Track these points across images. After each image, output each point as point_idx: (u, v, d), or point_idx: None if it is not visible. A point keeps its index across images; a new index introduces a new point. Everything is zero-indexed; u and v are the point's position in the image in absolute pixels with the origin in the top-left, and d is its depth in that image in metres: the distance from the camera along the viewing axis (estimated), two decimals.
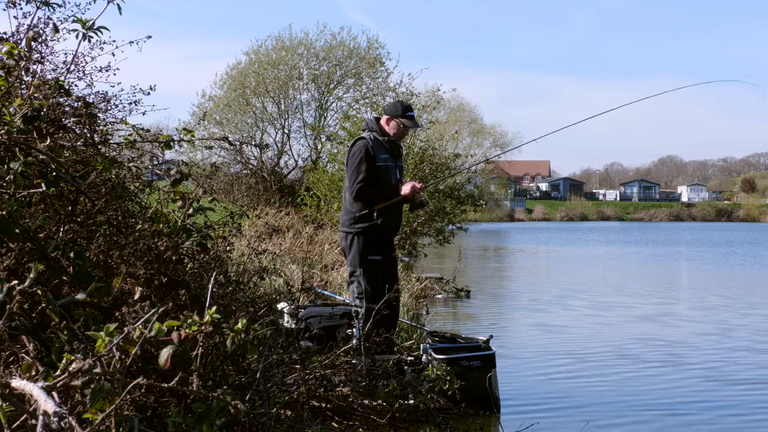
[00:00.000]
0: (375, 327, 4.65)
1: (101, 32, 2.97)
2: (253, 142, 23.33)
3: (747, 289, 14.39)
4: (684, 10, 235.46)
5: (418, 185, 5.38)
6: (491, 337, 5.25)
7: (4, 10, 3.15)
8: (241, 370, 2.77)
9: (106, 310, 2.35)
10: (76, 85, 3.80)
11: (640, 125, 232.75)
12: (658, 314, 10.50)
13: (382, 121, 5.53)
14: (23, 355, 1.93)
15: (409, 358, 5.15)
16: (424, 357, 5.14)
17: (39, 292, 2.03)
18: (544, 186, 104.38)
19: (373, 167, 5.34)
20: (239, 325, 2.13)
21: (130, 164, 3.24)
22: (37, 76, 2.93)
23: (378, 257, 5.39)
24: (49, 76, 3.42)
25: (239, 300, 3.44)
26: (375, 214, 5.36)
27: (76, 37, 2.97)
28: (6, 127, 2.37)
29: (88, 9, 3.51)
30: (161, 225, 2.94)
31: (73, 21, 3.00)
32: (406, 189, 5.36)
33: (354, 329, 5.27)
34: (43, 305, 2.06)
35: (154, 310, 1.98)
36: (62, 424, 1.55)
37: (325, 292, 8.10)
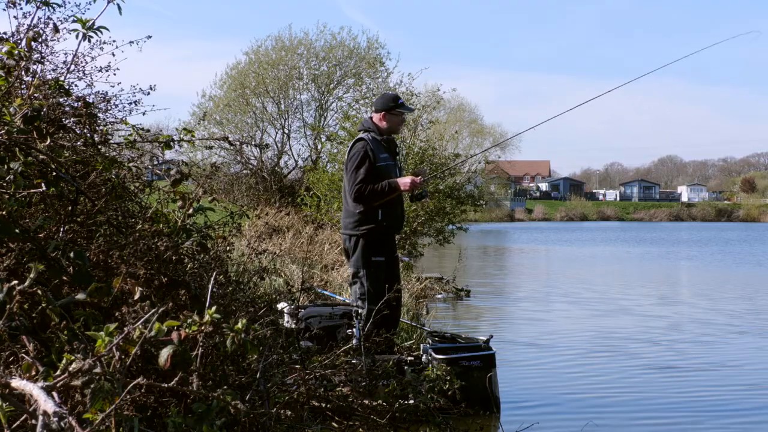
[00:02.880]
0: (376, 327, 4.65)
1: (101, 32, 2.96)
2: (253, 142, 23.36)
3: (748, 288, 14.40)
4: (684, 11, 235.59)
5: (418, 179, 5.33)
6: (491, 337, 5.25)
7: (4, 10, 3.15)
8: (241, 370, 2.77)
9: (106, 310, 2.35)
10: (76, 85, 3.80)
11: (640, 125, 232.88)
12: (660, 314, 10.50)
13: (375, 119, 5.50)
14: (23, 355, 1.92)
15: (409, 358, 5.15)
16: (424, 357, 5.14)
17: (39, 292, 2.02)
18: (544, 186, 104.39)
19: (374, 168, 5.31)
20: (239, 325, 2.13)
21: (130, 164, 3.23)
22: (37, 76, 2.93)
23: (381, 258, 5.38)
24: (49, 76, 3.42)
25: (239, 300, 3.43)
26: (379, 215, 5.34)
27: (76, 37, 2.97)
28: (6, 127, 2.37)
29: (88, 9, 3.52)
30: (161, 225, 2.94)
31: (73, 21, 3.00)
32: (405, 183, 5.33)
33: (354, 329, 5.27)
34: (43, 305, 2.05)
35: (154, 310, 1.98)
36: (62, 424, 1.55)
37: (325, 292, 8.10)
